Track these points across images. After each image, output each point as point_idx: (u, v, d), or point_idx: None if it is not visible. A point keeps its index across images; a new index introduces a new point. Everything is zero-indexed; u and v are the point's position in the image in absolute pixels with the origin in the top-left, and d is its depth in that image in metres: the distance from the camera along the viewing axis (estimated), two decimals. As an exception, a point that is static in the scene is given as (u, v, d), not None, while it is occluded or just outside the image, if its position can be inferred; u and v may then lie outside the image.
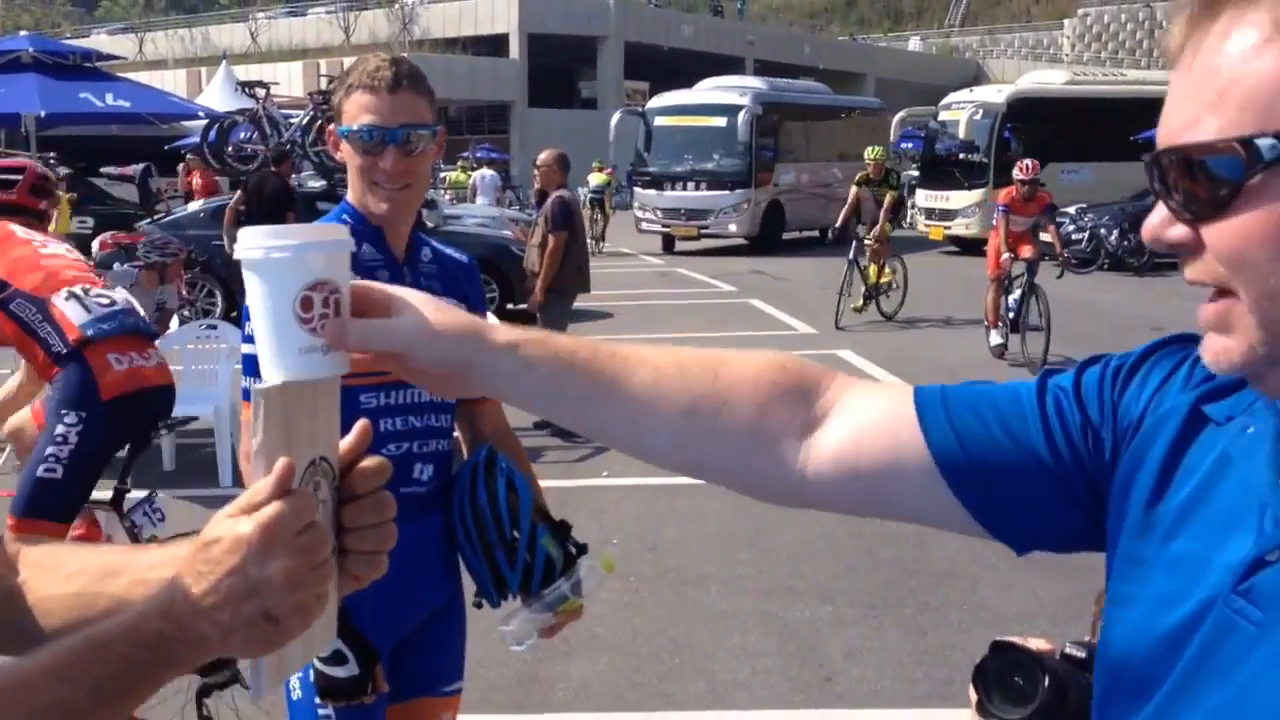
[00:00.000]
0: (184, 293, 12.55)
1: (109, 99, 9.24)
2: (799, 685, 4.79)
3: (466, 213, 19.15)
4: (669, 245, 26.21)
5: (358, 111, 2.42)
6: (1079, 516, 1.12)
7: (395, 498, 1.13)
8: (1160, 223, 0.93)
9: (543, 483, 2.82)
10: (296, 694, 2.50)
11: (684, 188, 25.93)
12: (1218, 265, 0.89)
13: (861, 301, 15.04)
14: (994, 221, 12.90)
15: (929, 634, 5.23)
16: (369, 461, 1.12)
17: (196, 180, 20.18)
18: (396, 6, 58.17)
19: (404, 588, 2.46)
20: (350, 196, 2.55)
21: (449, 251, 2.71)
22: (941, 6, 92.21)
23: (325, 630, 1.14)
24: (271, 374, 1.08)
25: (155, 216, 17.01)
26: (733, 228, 25.69)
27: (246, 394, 2.36)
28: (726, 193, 25.64)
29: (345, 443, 1.12)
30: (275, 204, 12.73)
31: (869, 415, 1.19)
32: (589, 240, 28.10)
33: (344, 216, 2.53)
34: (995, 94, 25.99)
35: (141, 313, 5.09)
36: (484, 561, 2.62)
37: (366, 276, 2.31)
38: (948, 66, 74.29)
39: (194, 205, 16.22)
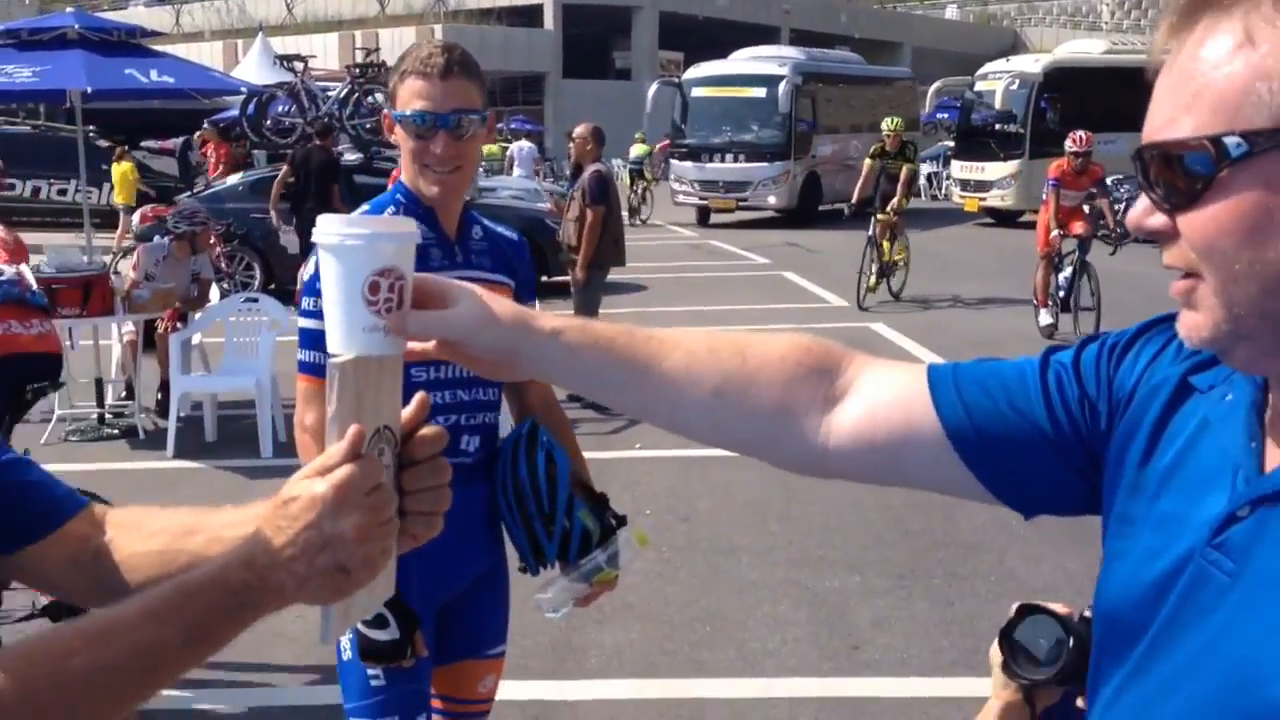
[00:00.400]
0: (221, 265, 12.76)
1: (153, 75, 9.37)
2: (827, 654, 4.90)
3: (501, 185, 19.25)
4: (704, 218, 26.11)
5: (411, 97, 2.53)
6: (1079, 483, 1.22)
7: None
8: (1142, 212, 1.03)
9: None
10: (347, 654, 2.63)
11: (722, 159, 25.55)
12: (1189, 251, 0.98)
13: (875, 279, 14.33)
14: (1044, 196, 12.46)
15: (956, 604, 5.32)
16: (427, 430, 1.23)
17: (211, 152, 20.30)
18: (431, -23, 58.16)
19: (450, 554, 2.59)
20: (403, 178, 2.65)
21: (499, 230, 2.83)
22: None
23: (386, 583, 1.25)
24: (337, 347, 1.19)
25: (194, 190, 17.22)
26: (772, 200, 25.41)
27: (301, 366, 2.51)
28: (766, 164, 25.30)
29: (406, 413, 1.23)
30: (322, 177, 12.90)
31: (885, 392, 1.30)
32: (626, 211, 28.11)
33: (397, 197, 2.65)
34: (1032, 64, 25.78)
35: (34, 285, 5.65)
36: (523, 531, 2.74)
37: (420, 255, 2.45)
38: (985, 35, 73.57)
39: (233, 178, 16.38)
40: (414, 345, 1.25)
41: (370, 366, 1.19)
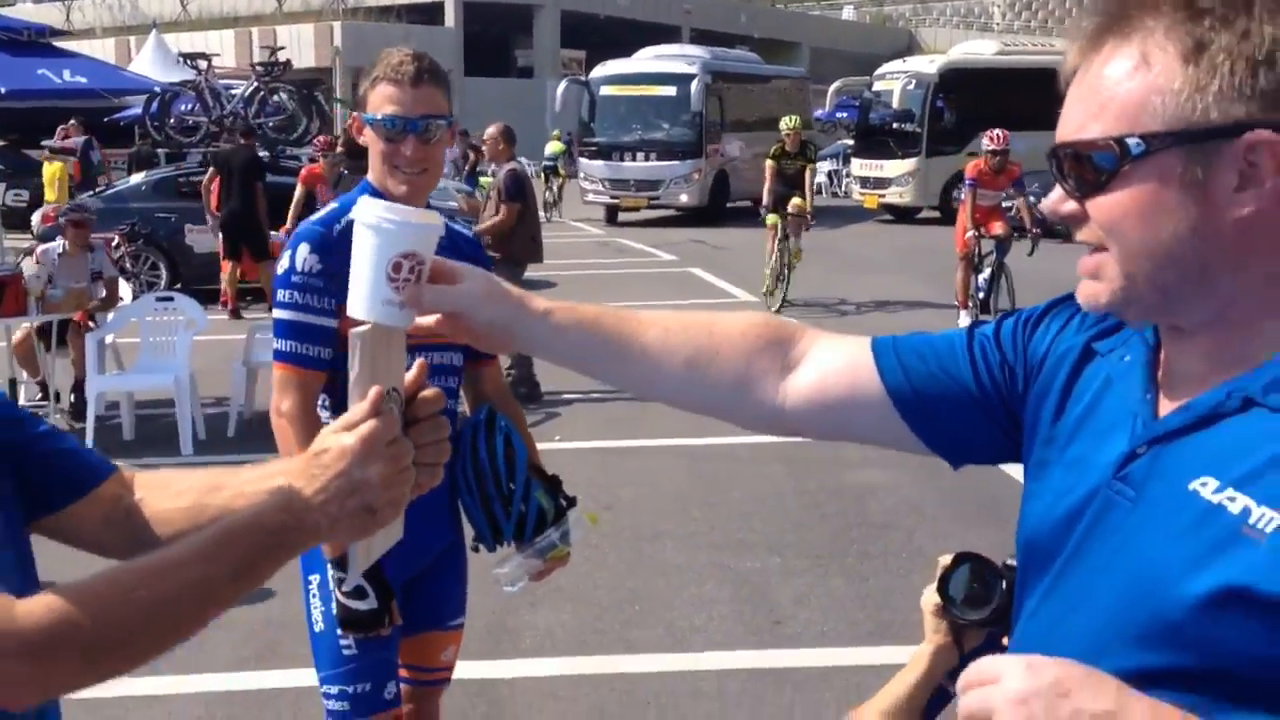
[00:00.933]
0: (126, 264, 12.71)
1: (66, 75, 9.30)
2: (751, 629, 5.13)
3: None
4: (612, 216, 26.17)
5: (382, 102, 2.68)
6: (1000, 437, 1.46)
7: None
8: (1057, 199, 1.25)
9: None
10: (319, 626, 2.79)
11: (633, 158, 25.62)
12: (1098, 230, 1.21)
13: (773, 282, 13.70)
14: (961, 196, 12.36)
15: (870, 580, 5.59)
16: (428, 392, 1.41)
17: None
18: (329, -27, 57.54)
19: (414, 532, 2.74)
20: (371, 177, 2.79)
21: (456, 227, 2.99)
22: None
23: (398, 527, 1.44)
24: (358, 313, 1.36)
25: (96, 189, 16.96)
26: (684, 198, 25.54)
27: (277, 354, 2.68)
28: (678, 163, 25.40)
29: (408, 377, 1.41)
30: (246, 175, 12.96)
31: (835, 359, 1.54)
32: (542, 208, 27.99)
33: (365, 194, 2.77)
34: (928, 64, 26.41)
35: None
36: (482, 511, 2.91)
37: None
38: (881, 35, 74.85)
39: (136, 178, 16.18)
40: (421, 321, 1.42)
41: (384, 336, 1.36)
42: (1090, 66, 1.21)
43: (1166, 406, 1.25)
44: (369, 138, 2.73)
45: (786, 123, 14.01)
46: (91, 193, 16.42)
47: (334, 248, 2.66)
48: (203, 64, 16.70)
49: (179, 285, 13.99)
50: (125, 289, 9.62)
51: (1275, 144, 1.10)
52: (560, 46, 55.28)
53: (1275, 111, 1.11)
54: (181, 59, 17.21)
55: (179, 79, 18.28)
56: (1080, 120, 1.21)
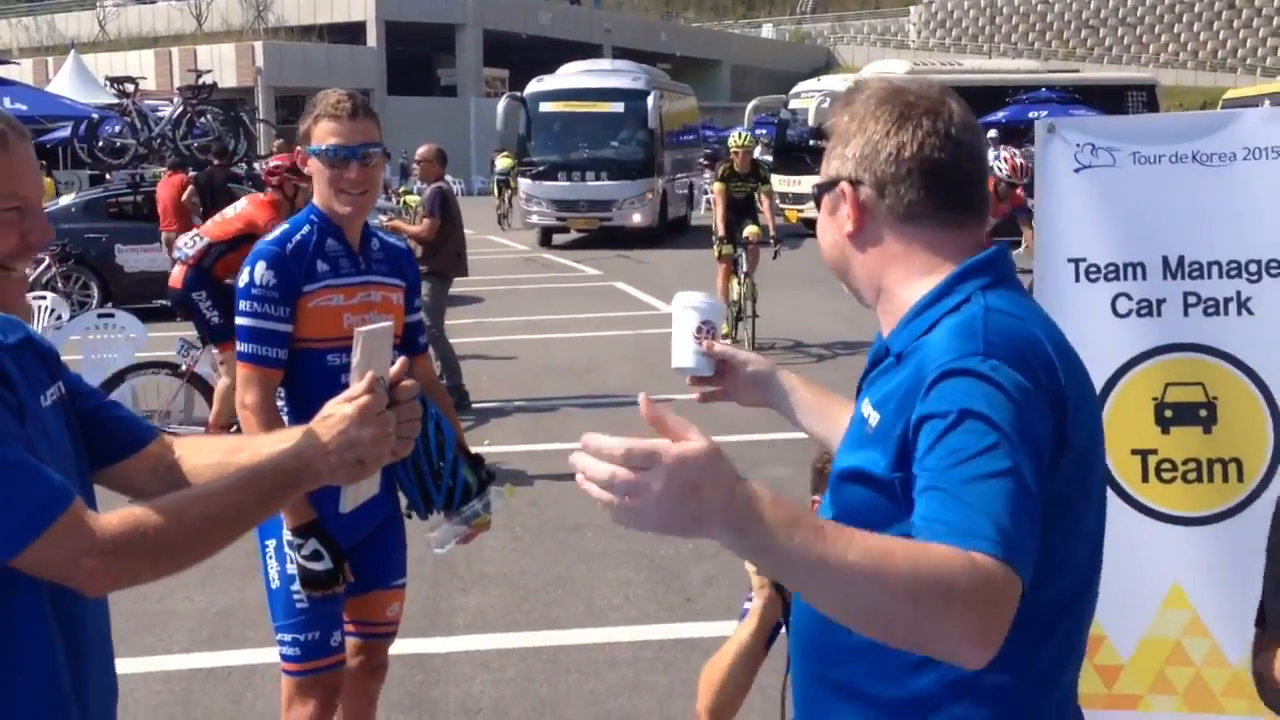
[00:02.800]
0: (51, 282, 13.05)
1: (7, 102, 9.63)
2: (665, 606, 5.66)
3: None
4: (546, 239, 25.03)
5: (325, 135, 3.19)
6: None
7: None
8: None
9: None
10: (275, 584, 3.27)
11: (582, 178, 24.32)
12: None
13: (731, 324, 11.86)
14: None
15: (773, 562, 6.12)
16: (406, 382, 1.93)
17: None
18: (250, -7, 57.46)
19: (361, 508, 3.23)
20: (317, 201, 3.30)
21: (391, 240, 3.54)
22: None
23: (374, 482, 1.97)
24: (679, 361, 2.18)
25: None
26: (637, 218, 24.40)
27: (241, 355, 3.21)
28: (630, 182, 24.30)
29: (393, 371, 1.91)
30: (228, 194, 13.24)
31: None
32: (499, 218, 28.03)
33: (311, 217, 3.30)
34: (841, 83, 27.22)
35: None
36: (416, 486, 3.40)
37: (330, 263, 3.14)
38: (800, 53, 76.25)
39: (65, 199, 16.39)
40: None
41: (378, 338, 1.88)
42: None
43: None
44: (314, 167, 3.23)
45: (735, 139, 12.41)
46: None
47: (286, 263, 3.19)
48: (130, 87, 16.96)
49: (110, 304, 14.25)
50: (63, 307, 9.94)
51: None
52: (483, 65, 55.71)
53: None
54: (108, 83, 17.44)
55: (100, 100, 18.50)
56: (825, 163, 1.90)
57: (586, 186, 24.35)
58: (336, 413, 1.81)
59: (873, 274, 1.83)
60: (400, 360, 1.92)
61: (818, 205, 1.92)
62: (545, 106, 25.14)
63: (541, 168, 24.52)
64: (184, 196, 14.00)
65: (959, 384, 1.57)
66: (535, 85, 25.85)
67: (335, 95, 3.24)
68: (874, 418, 1.70)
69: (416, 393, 1.93)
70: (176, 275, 8.05)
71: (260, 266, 3.19)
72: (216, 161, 14.18)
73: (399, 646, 5.15)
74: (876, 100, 1.79)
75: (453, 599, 5.73)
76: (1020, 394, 1.56)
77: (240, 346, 3.20)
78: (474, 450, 3.55)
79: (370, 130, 3.22)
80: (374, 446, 1.81)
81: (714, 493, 1.36)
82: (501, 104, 26.01)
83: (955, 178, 1.76)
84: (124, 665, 5.06)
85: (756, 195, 12.21)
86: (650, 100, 24.53)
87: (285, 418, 3.25)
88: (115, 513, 1.73)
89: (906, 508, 1.57)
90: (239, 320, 3.21)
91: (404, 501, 3.47)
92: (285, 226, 3.31)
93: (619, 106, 24.84)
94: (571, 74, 26.85)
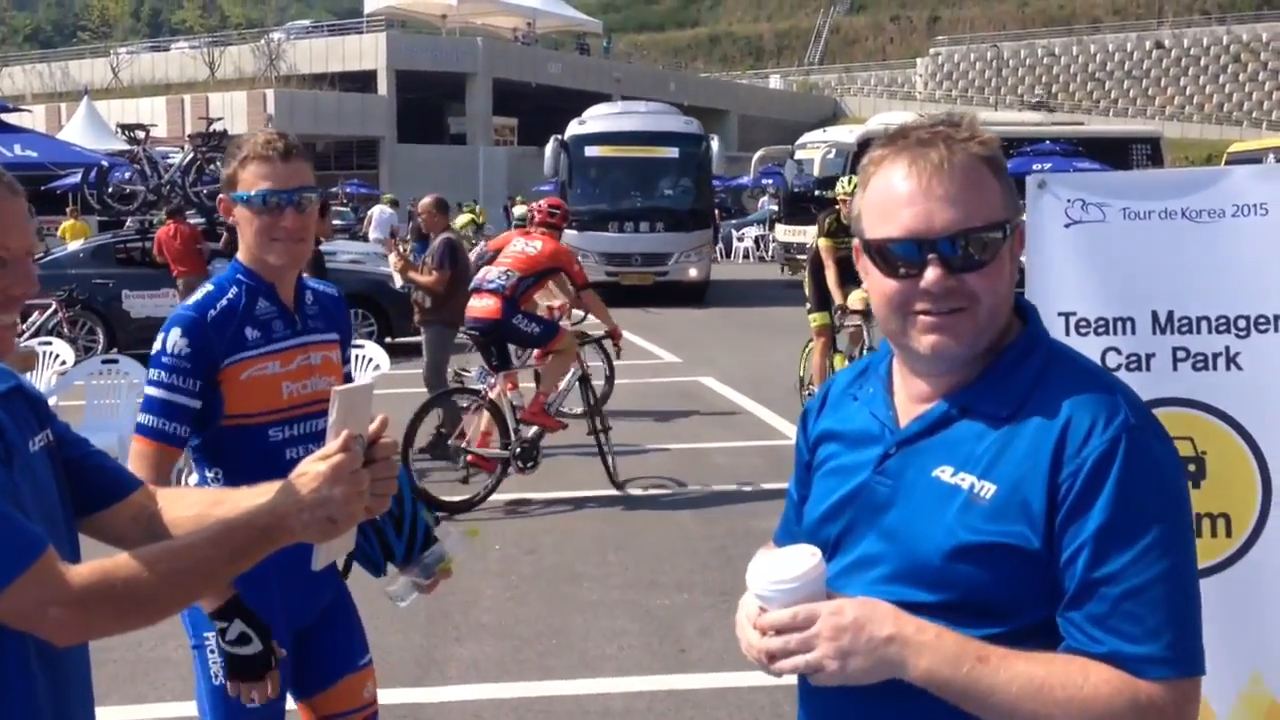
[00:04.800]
0: (57, 326, 13.15)
1: (18, 150, 9.73)
2: (658, 657, 5.62)
3: (340, 249, 19.69)
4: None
5: (255, 179, 2.85)
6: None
7: None
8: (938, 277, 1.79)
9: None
10: (218, 679, 2.89)
11: (635, 228, 21.95)
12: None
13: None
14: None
15: (770, 614, 6.09)
16: (385, 440, 1.93)
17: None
18: (263, 42, 58.07)
19: (302, 584, 2.86)
20: (242, 257, 2.96)
21: (320, 288, 3.17)
22: (801, 45, 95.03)
23: (349, 539, 1.97)
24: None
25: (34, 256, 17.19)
26: (693, 273, 22.31)
27: (140, 428, 2.84)
28: (685, 234, 22.26)
29: (371, 429, 1.92)
30: None
31: None
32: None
33: (238, 276, 2.96)
34: (847, 134, 27.41)
35: None
36: (373, 537, 3.09)
37: (262, 328, 2.98)
38: (807, 103, 76.82)
39: (74, 245, 16.51)
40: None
41: (355, 396, 1.88)
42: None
43: (906, 420, 1.78)
44: (242, 216, 2.89)
45: (844, 185, 10.09)
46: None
47: (204, 332, 2.84)
48: (140, 134, 17.11)
49: (115, 350, 14.32)
50: (67, 353, 9.96)
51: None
52: (493, 114, 56.13)
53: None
54: (120, 130, 17.60)
55: (111, 147, 18.66)
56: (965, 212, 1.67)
57: (640, 238, 21.90)
58: (310, 470, 1.82)
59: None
60: (380, 418, 1.92)
61: (988, 254, 1.68)
62: (591, 150, 22.77)
63: (587, 217, 21.53)
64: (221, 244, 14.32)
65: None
66: (576, 127, 23.41)
67: (264, 135, 2.91)
68: (985, 488, 1.66)
69: (395, 451, 1.93)
70: (492, 307, 8.58)
71: (175, 334, 2.84)
72: None
73: (391, 696, 5.14)
74: None
75: (447, 648, 5.71)
76: None
77: (140, 418, 2.85)
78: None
79: (305, 172, 2.90)
80: (346, 505, 1.81)
81: (878, 633, 1.59)
82: (550, 147, 23.12)
83: None
84: (116, 713, 5.09)
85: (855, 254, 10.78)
86: (713, 145, 22.88)
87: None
88: (87, 564, 1.74)
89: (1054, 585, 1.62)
90: (146, 389, 2.85)
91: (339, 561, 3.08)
92: (209, 289, 2.95)
93: (673, 152, 22.89)
94: (610, 115, 24.67)
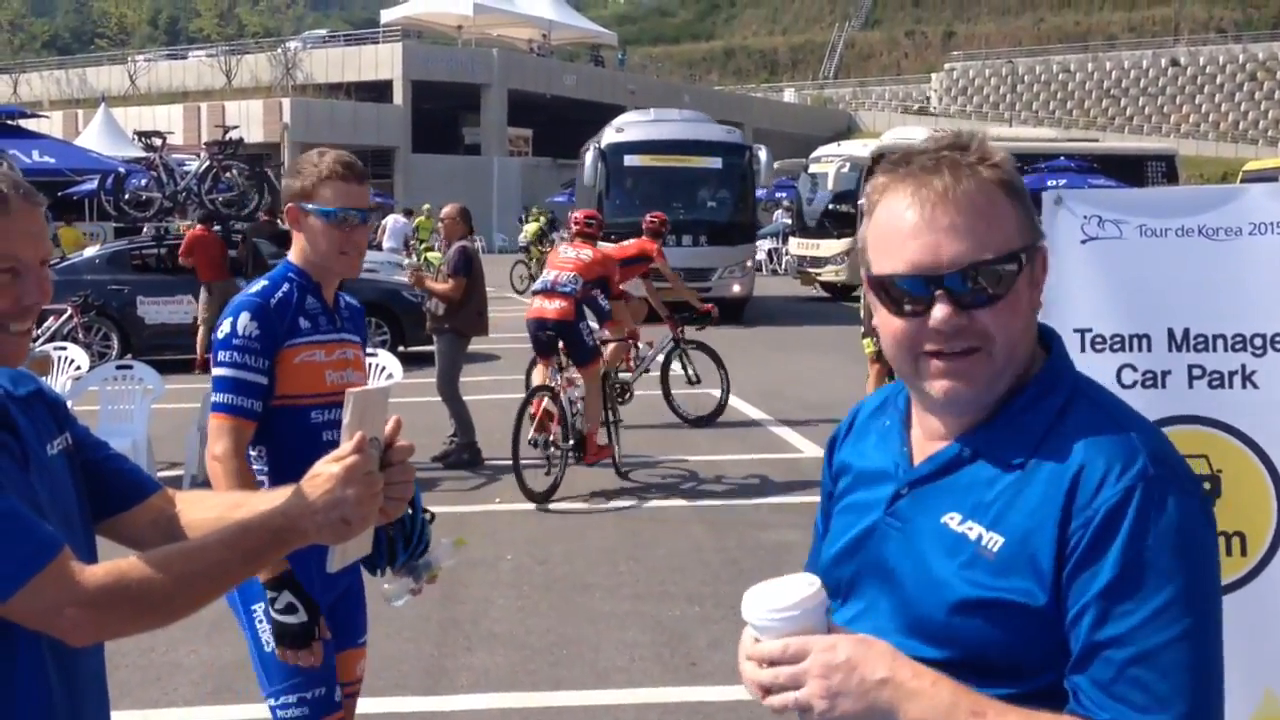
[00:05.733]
0: (72, 332, 13.24)
1: (35, 156, 9.80)
2: (669, 669, 5.62)
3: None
4: None
5: (337, 196, 3.20)
6: None
7: None
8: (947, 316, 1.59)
9: (441, 508, 3.67)
10: (268, 646, 3.16)
11: (678, 242, 19.66)
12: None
13: None
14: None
15: (781, 627, 6.08)
16: (401, 443, 1.93)
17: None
18: (279, 51, 58.34)
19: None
20: (295, 258, 3.31)
21: (348, 299, 3.53)
22: (816, 59, 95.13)
23: (366, 541, 1.96)
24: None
25: (51, 262, 17.29)
26: (736, 289, 21.23)
27: (215, 406, 3.16)
28: (730, 248, 21.37)
29: (387, 430, 1.92)
30: (280, 247, 13.70)
31: None
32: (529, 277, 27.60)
33: (290, 274, 3.31)
34: (861, 148, 27.39)
35: None
36: (384, 540, 3.14)
37: (311, 320, 3.17)
38: (821, 117, 76.84)
39: (89, 251, 16.59)
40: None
41: (371, 398, 1.89)
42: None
43: (920, 458, 1.70)
44: (315, 227, 3.23)
45: None
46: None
47: (269, 316, 3.19)
48: (157, 142, 17.20)
49: (130, 355, 14.38)
50: (82, 358, 10.02)
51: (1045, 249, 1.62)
52: (507, 124, 56.30)
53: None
54: (137, 137, 17.70)
55: (127, 154, 18.75)
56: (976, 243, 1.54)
57: (683, 252, 19.88)
58: (324, 472, 1.81)
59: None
60: (395, 420, 1.93)
61: (1001, 288, 1.56)
62: (630, 160, 21.54)
63: (626, 229, 19.64)
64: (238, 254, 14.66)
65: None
66: (613, 135, 22.22)
67: (344, 156, 3.27)
68: (993, 540, 1.56)
69: (411, 454, 1.93)
70: (566, 309, 9.14)
71: (244, 317, 3.18)
72: (264, 216, 14.68)
73: (401, 705, 5.17)
74: None
75: (457, 658, 5.71)
76: None
77: (215, 397, 3.17)
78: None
79: (368, 193, 3.31)
80: (359, 506, 1.80)
81: (869, 674, 1.50)
82: (589, 155, 22.08)
83: None
84: (128, 718, 5.10)
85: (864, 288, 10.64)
86: (761, 155, 21.97)
87: (264, 478, 3.20)
88: (102, 565, 1.75)
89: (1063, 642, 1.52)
90: (216, 371, 3.18)
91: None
92: (264, 283, 3.30)
93: (716, 162, 21.81)
94: (649, 123, 23.33)
